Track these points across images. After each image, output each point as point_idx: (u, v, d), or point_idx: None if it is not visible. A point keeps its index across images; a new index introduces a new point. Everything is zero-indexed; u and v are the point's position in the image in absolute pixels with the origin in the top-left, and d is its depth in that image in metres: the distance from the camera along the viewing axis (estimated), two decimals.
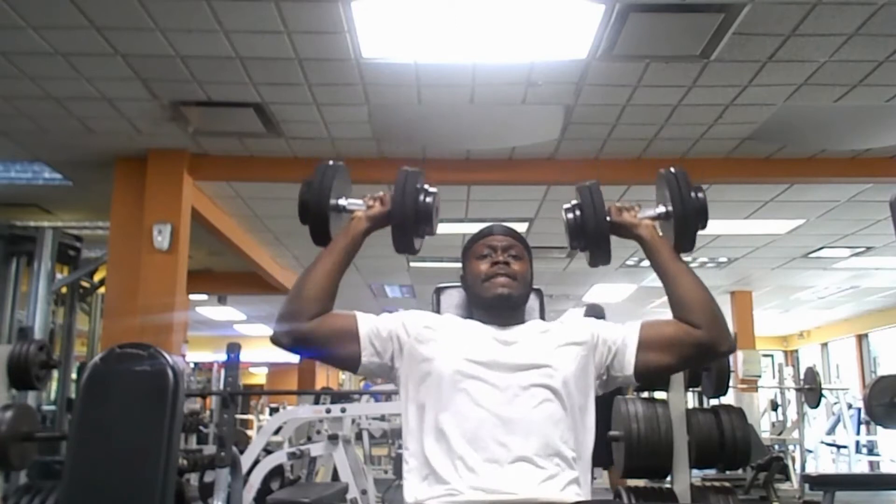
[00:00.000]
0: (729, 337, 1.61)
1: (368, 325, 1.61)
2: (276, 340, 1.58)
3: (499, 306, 1.64)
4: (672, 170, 1.68)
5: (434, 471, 1.47)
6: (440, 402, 1.52)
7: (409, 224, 1.61)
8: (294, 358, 10.67)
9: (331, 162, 1.67)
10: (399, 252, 1.68)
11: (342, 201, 1.67)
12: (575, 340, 1.61)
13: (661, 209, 1.69)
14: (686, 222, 1.63)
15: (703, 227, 1.65)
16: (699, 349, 1.59)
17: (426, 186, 1.64)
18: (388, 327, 1.62)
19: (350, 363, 1.61)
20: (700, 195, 1.65)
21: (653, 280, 9.57)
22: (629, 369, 1.60)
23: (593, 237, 1.64)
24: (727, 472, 5.39)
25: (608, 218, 1.65)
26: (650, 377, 1.65)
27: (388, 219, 1.63)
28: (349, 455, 4.62)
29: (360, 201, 1.68)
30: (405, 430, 1.59)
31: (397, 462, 6.85)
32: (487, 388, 1.51)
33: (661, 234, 1.69)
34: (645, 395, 3.96)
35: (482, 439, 1.46)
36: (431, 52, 3.78)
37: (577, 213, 1.65)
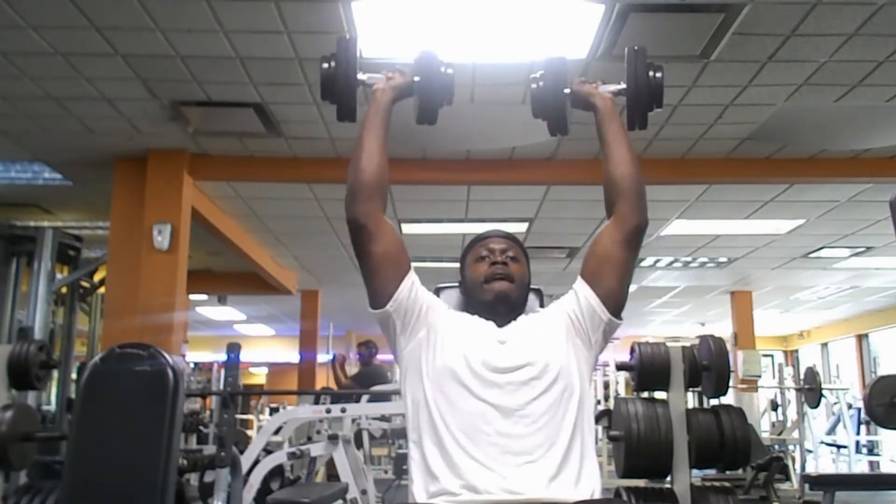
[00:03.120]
0: (644, 208, 1.66)
1: (413, 279, 1.65)
2: (347, 205, 1.61)
3: (497, 307, 1.66)
4: (635, 48, 1.74)
5: (437, 468, 1.48)
6: (441, 399, 1.53)
7: (434, 94, 1.67)
8: (294, 358, 10.67)
9: (347, 36, 1.70)
10: (420, 123, 1.74)
11: (363, 76, 1.71)
12: (557, 327, 1.64)
13: (622, 85, 1.76)
14: (639, 98, 1.71)
15: (659, 106, 1.72)
16: (624, 233, 1.64)
17: (444, 60, 1.70)
18: (423, 298, 1.65)
19: (378, 295, 1.62)
20: (658, 74, 1.72)
21: (652, 280, 9.60)
22: (601, 310, 1.64)
23: (553, 103, 1.70)
24: (727, 472, 5.39)
25: (569, 88, 1.73)
26: (618, 298, 1.66)
27: (411, 89, 1.71)
28: (349, 455, 4.62)
29: (379, 75, 1.73)
30: (408, 426, 1.60)
31: (397, 462, 6.85)
32: (486, 383, 1.52)
33: (614, 109, 1.76)
34: (645, 395, 3.96)
35: (484, 432, 1.47)
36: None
37: (541, 81, 1.72)
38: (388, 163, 1.65)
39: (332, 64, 1.67)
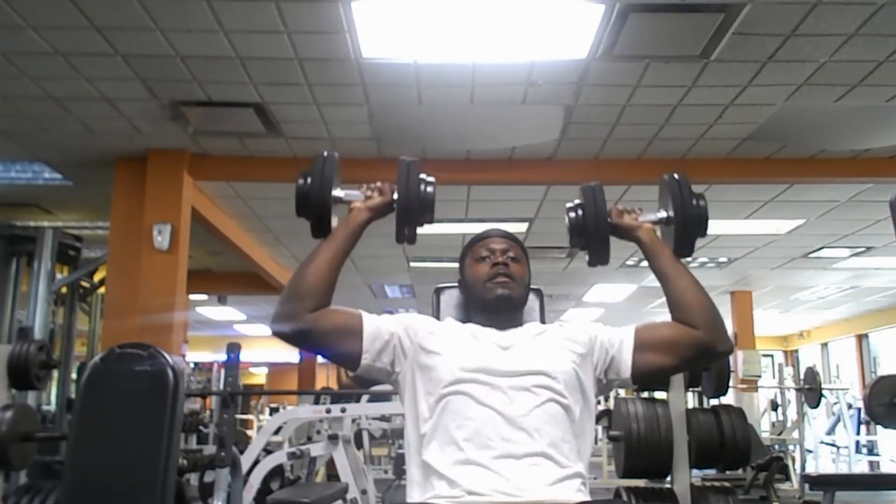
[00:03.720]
0: (727, 338, 1.63)
1: (372, 325, 1.61)
2: (275, 327, 1.57)
3: (499, 308, 1.65)
4: (675, 175, 1.69)
5: (437, 475, 1.47)
6: (441, 406, 1.52)
7: (413, 214, 1.61)
8: (294, 358, 10.67)
9: (325, 153, 1.67)
10: (399, 242, 1.68)
11: (340, 192, 1.66)
12: (573, 343, 1.62)
13: (662, 214, 1.71)
14: (686, 229, 1.65)
15: (703, 234, 1.66)
16: (697, 350, 1.60)
17: (424, 176, 1.64)
18: (392, 330, 1.62)
19: (350, 361, 1.61)
20: (701, 203, 1.66)
21: (653, 280, 9.55)
22: (626, 371, 1.61)
23: (593, 237, 1.66)
24: (727, 472, 5.39)
25: (609, 219, 1.68)
26: (647, 379, 1.65)
27: (389, 209, 1.64)
28: (349, 455, 4.62)
29: (357, 192, 1.67)
30: (407, 445, 1.59)
31: (397, 462, 6.85)
32: (489, 389, 1.51)
33: (660, 237, 1.71)
34: (645, 395, 3.96)
35: (487, 437, 1.46)
36: (431, 52, 3.78)
37: (579, 212, 1.68)
38: (335, 283, 1.59)
39: (308, 180, 1.60)
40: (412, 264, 8.40)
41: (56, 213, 6.50)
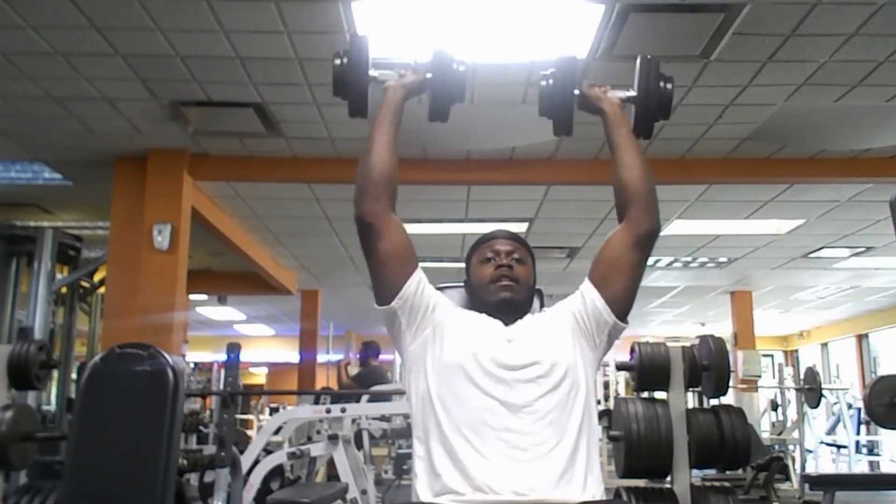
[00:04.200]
0: (656, 214, 1.66)
1: (421, 277, 1.65)
2: (356, 216, 1.61)
3: (503, 310, 1.66)
4: (648, 56, 1.74)
5: (442, 466, 1.47)
6: (447, 392, 1.53)
7: (446, 90, 1.67)
8: (294, 358, 10.66)
9: (360, 33, 1.70)
10: (432, 120, 1.74)
11: (374, 72, 1.70)
12: (562, 327, 1.64)
13: (631, 92, 1.75)
14: (648, 108, 1.70)
15: (666, 117, 1.72)
16: (636, 238, 1.64)
17: (457, 57, 1.70)
18: (431, 296, 1.65)
19: (384, 290, 1.62)
20: (668, 86, 1.71)
21: (652, 280, 9.60)
22: (607, 314, 1.63)
23: (559, 103, 1.71)
24: (727, 472, 5.39)
25: (578, 90, 1.72)
26: (626, 302, 1.66)
27: (423, 87, 1.71)
28: (349, 455, 4.62)
29: (391, 72, 1.72)
30: (413, 423, 1.60)
31: (397, 462, 6.85)
32: (494, 379, 1.52)
33: (623, 114, 1.75)
34: (645, 395, 3.96)
35: (491, 427, 1.47)
36: (429, 51, 3.77)
37: (550, 80, 1.72)
38: (397, 161, 1.65)
39: (345, 60, 1.66)
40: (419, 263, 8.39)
41: (56, 213, 6.50)
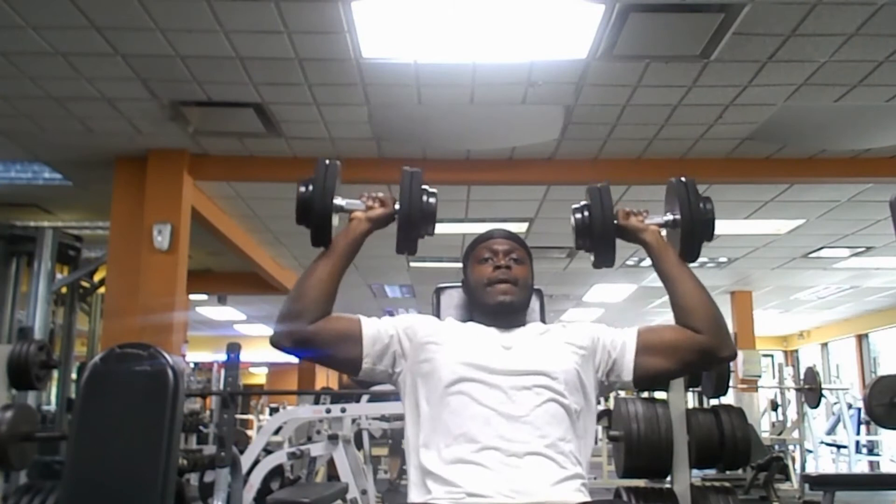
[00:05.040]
0: (730, 342, 1.63)
1: (372, 329, 1.61)
2: (276, 343, 1.58)
3: (500, 312, 1.65)
4: (683, 179, 1.68)
5: (435, 477, 1.46)
6: (441, 404, 1.51)
7: (415, 226, 1.60)
8: (294, 358, 10.69)
9: (327, 161, 1.66)
10: (400, 252, 1.67)
11: (341, 201, 1.64)
12: (575, 344, 1.61)
13: (669, 217, 1.70)
14: (693, 233, 1.64)
15: (710, 239, 1.66)
16: (700, 354, 1.60)
17: (426, 187, 1.64)
18: (391, 332, 1.62)
19: (351, 367, 1.61)
20: (708, 206, 1.66)
21: (653, 280, 9.57)
22: (628, 374, 1.61)
23: (599, 238, 1.65)
24: (727, 472, 5.39)
25: (615, 221, 1.67)
26: (649, 382, 1.65)
27: (391, 220, 1.63)
28: (349, 455, 4.62)
29: (358, 201, 1.66)
30: (408, 445, 1.59)
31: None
32: (488, 388, 1.50)
33: (666, 240, 1.71)
34: (645, 395, 3.96)
35: (487, 437, 1.45)
36: (431, 52, 3.78)
37: (586, 213, 1.67)
38: (335, 295, 1.59)
39: (309, 188, 1.59)
40: (412, 264, 8.40)
41: (56, 213, 6.50)
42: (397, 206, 1.61)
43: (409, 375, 1.60)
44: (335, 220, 1.64)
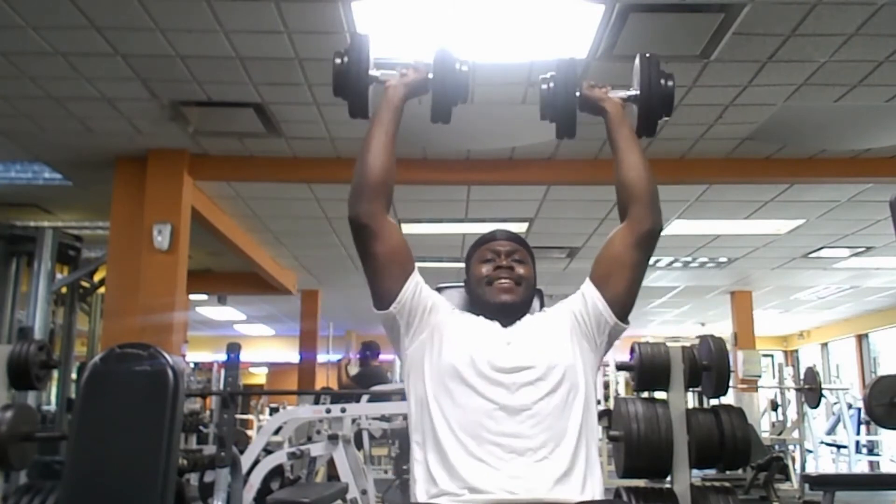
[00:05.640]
0: (659, 213, 1.65)
1: (419, 280, 1.64)
2: (352, 218, 1.59)
3: (502, 311, 1.66)
4: (647, 54, 1.73)
5: (439, 468, 1.47)
6: (445, 398, 1.52)
7: (449, 91, 1.65)
8: (294, 358, 10.66)
9: (360, 32, 1.69)
10: (434, 121, 1.72)
11: (376, 72, 1.69)
12: (562, 328, 1.63)
13: (632, 92, 1.74)
14: (650, 106, 1.69)
15: (668, 114, 1.71)
16: (637, 237, 1.63)
17: (459, 56, 1.68)
18: (430, 299, 1.64)
19: (382, 295, 1.62)
20: (669, 83, 1.70)
21: (652, 280, 9.60)
22: (609, 315, 1.63)
23: (562, 107, 1.69)
24: (727, 472, 5.38)
25: (579, 92, 1.71)
26: (626, 302, 1.65)
27: (425, 87, 1.68)
28: (349, 455, 4.62)
29: (392, 72, 1.70)
30: (411, 427, 1.59)
31: (397, 462, 6.85)
32: (490, 384, 1.51)
33: (625, 114, 1.74)
34: (645, 395, 3.96)
35: (489, 431, 1.46)
36: (431, 52, 3.77)
37: (551, 84, 1.70)
38: (395, 162, 1.63)
39: (345, 59, 1.64)
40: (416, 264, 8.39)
41: (56, 213, 6.50)
42: (431, 76, 1.66)
43: (419, 350, 1.61)
44: (370, 92, 1.67)
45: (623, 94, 1.74)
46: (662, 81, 1.68)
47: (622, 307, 1.63)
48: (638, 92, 1.71)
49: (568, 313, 1.66)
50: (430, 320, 1.62)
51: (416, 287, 1.62)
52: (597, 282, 1.65)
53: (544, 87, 1.71)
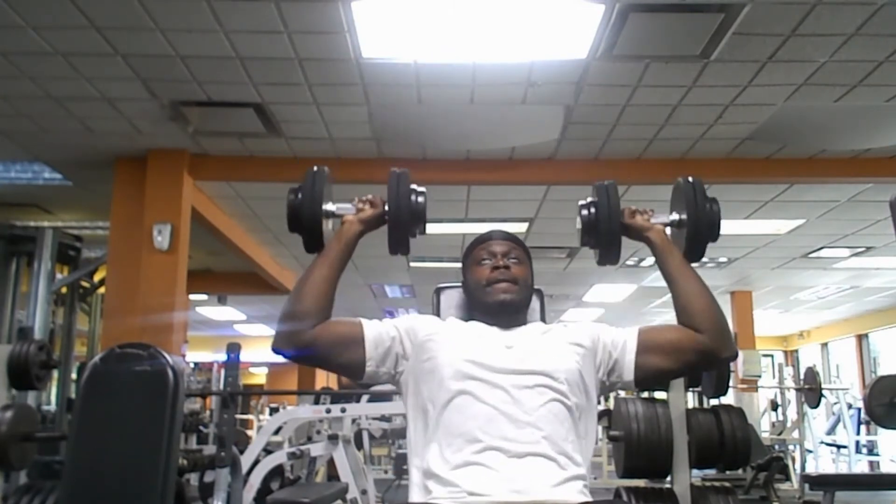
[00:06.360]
0: (732, 344, 1.63)
1: (373, 331, 1.61)
2: (277, 349, 1.59)
3: (500, 312, 1.65)
4: (690, 179, 1.69)
5: (438, 478, 1.46)
6: (443, 403, 1.51)
7: (404, 225, 1.61)
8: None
9: (315, 168, 1.67)
10: (393, 253, 1.69)
11: (332, 206, 1.66)
12: (576, 343, 1.61)
13: (675, 216, 1.71)
14: (698, 233, 1.65)
15: (715, 239, 1.67)
16: (701, 354, 1.60)
17: (415, 187, 1.65)
18: (393, 333, 1.62)
19: (354, 371, 1.61)
20: (715, 207, 1.67)
21: (652, 280, 9.59)
22: (629, 374, 1.61)
23: (605, 236, 1.67)
24: (727, 472, 5.39)
25: (621, 219, 1.68)
26: (650, 382, 1.65)
27: (382, 220, 1.64)
28: (349, 455, 4.62)
29: (348, 205, 1.67)
30: (410, 446, 1.59)
31: (398, 462, 6.85)
32: (490, 387, 1.50)
33: (670, 240, 1.71)
34: (645, 395, 3.96)
35: (490, 436, 1.45)
36: (431, 52, 3.78)
37: (592, 210, 1.68)
38: (333, 298, 1.60)
39: (298, 195, 1.61)
40: (412, 264, 8.40)
41: (56, 213, 6.50)
42: (386, 208, 1.62)
43: (412, 375, 1.60)
44: (328, 225, 1.65)
45: (665, 219, 1.71)
46: (708, 206, 1.65)
47: (643, 378, 1.62)
48: (682, 216, 1.67)
49: (594, 335, 1.64)
50: (409, 350, 1.61)
51: (376, 342, 1.59)
52: (643, 344, 1.62)
53: (584, 213, 1.68)
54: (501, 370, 1.52)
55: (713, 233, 1.65)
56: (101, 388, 2.33)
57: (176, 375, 2.29)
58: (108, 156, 5.14)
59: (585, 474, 1.51)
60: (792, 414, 8.10)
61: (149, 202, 5.01)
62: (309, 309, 1.56)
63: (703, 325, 1.59)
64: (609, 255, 1.69)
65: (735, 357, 1.65)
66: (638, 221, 1.70)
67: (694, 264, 1.68)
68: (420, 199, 1.63)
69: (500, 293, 1.65)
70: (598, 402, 1.68)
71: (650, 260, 9.12)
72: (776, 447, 7.26)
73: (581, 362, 1.58)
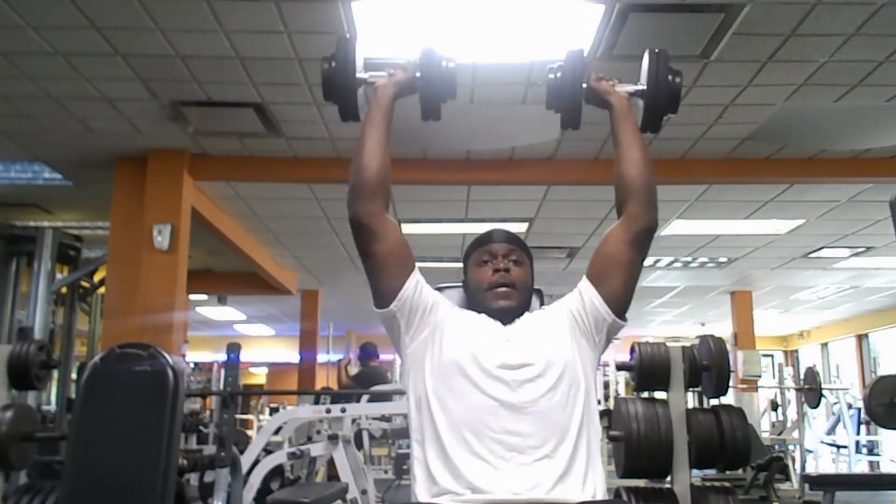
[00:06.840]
0: (654, 211, 1.65)
1: (420, 279, 1.64)
2: (352, 218, 1.60)
3: (501, 314, 1.66)
4: (656, 49, 1.72)
5: (440, 467, 1.47)
6: (444, 391, 1.52)
7: (436, 88, 1.66)
8: (294, 358, 10.67)
9: (348, 34, 1.70)
10: (425, 119, 1.73)
11: (364, 74, 1.70)
12: (561, 326, 1.63)
13: (639, 87, 1.74)
14: (656, 102, 1.69)
15: (674, 111, 1.70)
16: (633, 235, 1.62)
17: (446, 54, 1.69)
18: (429, 297, 1.64)
19: (383, 293, 1.61)
20: (677, 80, 1.70)
21: (652, 280, 9.59)
22: (605, 311, 1.62)
23: (568, 97, 1.69)
24: (727, 472, 5.39)
25: (586, 83, 1.71)
26: (624, 298, 1.65)
27: (413, 85, 1.69)
28: (349, 455, 4.62)
29: (380, 73, 1.72)
30: (411, 425, 1.59)
31: (397, 462, 6.85)
32: (493, 379, 1.51)
33: (630, 109, 1.74)
34: (645, 395, 3.96)
35: (490, 428, 1.46)
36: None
37: (559, 73, 1.70)
38: (389, 161, 1.64)
39: (332, 63, 1.66)
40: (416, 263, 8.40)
41: (56, 213, 6.50)
42: (418, 74, 1.67)
43: (420, 349, 1.60)
44: (361, 93, 1.70)
45: (630, 88, 1.74)
46: (670, 77, 1.68)
47: (619, 304, 1.63)
48: (645, 87, 1.70)
49: (566, 311, 1.66)
50: (430, 319, 1.62)
51: (416, 285, 1.62)
52: (593, 279, 1.65)
53: (551, 76, 1.70)
54: (503, 365, 1.53)
55: (672, 104, 1.69)
56: (101, 388, 2.33)
57: (176, 375, 2.29)
58: (108, 156, 5.14)
59: (592, 466, 1.51)
60: (792, 414, 8.10)
61: (149, 202, 5.01)
62: (370, 168, 1.59)
63: (633, 188, 1.63)
64: (571, 118, 1.72)
65: (655, 226, 1.66)
66: (602, 86, 1.73)
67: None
68: (451, 64, 1.67)
69: (500, 300, 1.65)
70: (599, 402, 1.68)
71: (650, 259, 9.13)
72: (776, 447, 7.26)
73: (573, 343, 1.60)
